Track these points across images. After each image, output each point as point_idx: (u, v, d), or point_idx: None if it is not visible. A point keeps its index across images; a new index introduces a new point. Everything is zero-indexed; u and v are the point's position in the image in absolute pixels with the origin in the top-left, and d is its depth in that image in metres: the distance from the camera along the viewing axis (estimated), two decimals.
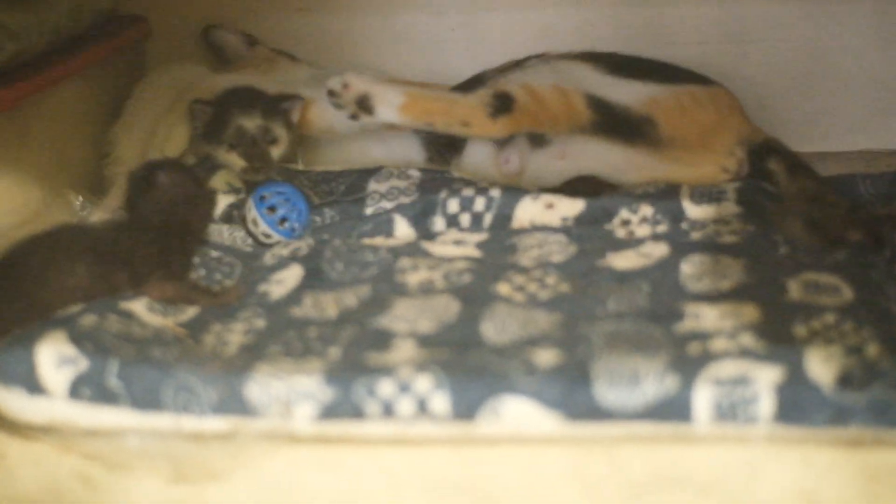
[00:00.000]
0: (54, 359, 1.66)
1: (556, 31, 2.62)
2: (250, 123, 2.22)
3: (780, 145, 2.29)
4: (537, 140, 2.31)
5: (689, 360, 1.62)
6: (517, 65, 2.40)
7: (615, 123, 2.25)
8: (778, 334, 1.68)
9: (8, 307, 1.76)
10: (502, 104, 2.23)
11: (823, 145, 2.52)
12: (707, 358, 1.61)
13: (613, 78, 2.30)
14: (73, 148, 2.37)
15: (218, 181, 2.27)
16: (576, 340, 1.70)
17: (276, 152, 2.25)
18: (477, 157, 2.36)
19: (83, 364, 1.66)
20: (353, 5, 2.71)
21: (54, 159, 2.29)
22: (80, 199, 2.23)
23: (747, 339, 1.66)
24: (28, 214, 2.19)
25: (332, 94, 2.22)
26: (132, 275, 1.87)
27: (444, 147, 2.35)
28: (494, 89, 2.25)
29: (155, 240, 1.91)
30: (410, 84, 2.32)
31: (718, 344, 1.66)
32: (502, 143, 2.32)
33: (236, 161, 2.23)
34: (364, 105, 2.21)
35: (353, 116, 2.22)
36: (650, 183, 2.24)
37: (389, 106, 2.21)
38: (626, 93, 2.27)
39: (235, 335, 1.80)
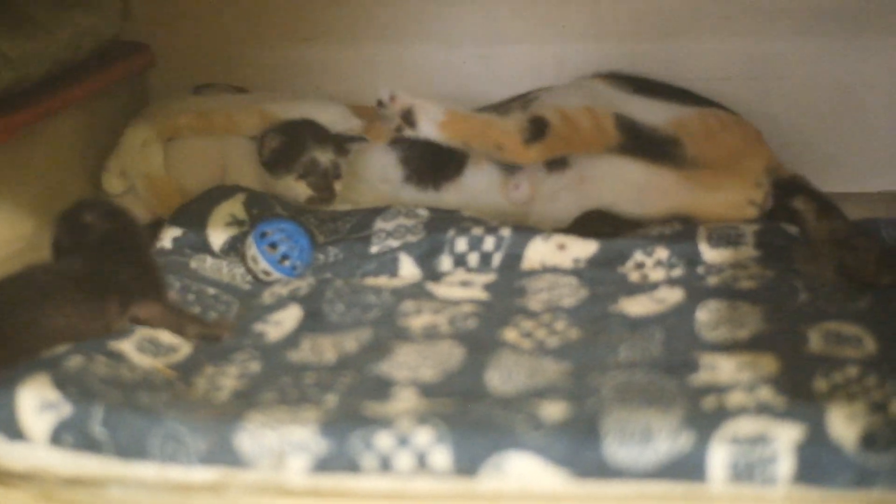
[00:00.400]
0: (36, 403, 1.58)
1: (572, 65, 2.54)
2: (323, 157, 2.28)
3: (808, 184, 2.22)
4: (555, 164, 2.25)
5: (704, 415, 1.53)
6: (522, 98, 2.35)
7: (642, 144, 2.20)
8: (798, 388, 1.60)
9: None
10: (537, 129, 2.22)
11: (844, 186, 2.42)
12: (724, 414, 1.53)
13: (639, 98, 2.27)
14: (70, 179, 2.31)
15: (221, 213, 2.19)
16: (585, 392, 1.62)
17: (338, 187, 2.30)
18: (480, 182, 2.31)
19: (66, 409, 1.58)
20: (363, 35, 2.65)
21: (51, 191, 2.22)
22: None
23: (766, 394, 1.58)
24: (22, 246, 2.13)
25: (380, 104, 2.24)
26: (122, 300, 1.80)
27: (425, 168, 2.33)
28: (530, 114, 2.24)
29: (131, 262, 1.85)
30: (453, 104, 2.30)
31: (735, 398, 1.58)
32: (512, 167, 2.27)
33: (303, 190, 2.28)
34: (408, 118, 2.22)
35: (398, 129, 2.24)
36: (667, 222, 2.16)
37: (431, 122, 2.22)
38: (653, 112, 2.24)
39: (229, 379, 1.73)
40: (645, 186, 2.19)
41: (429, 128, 2.23)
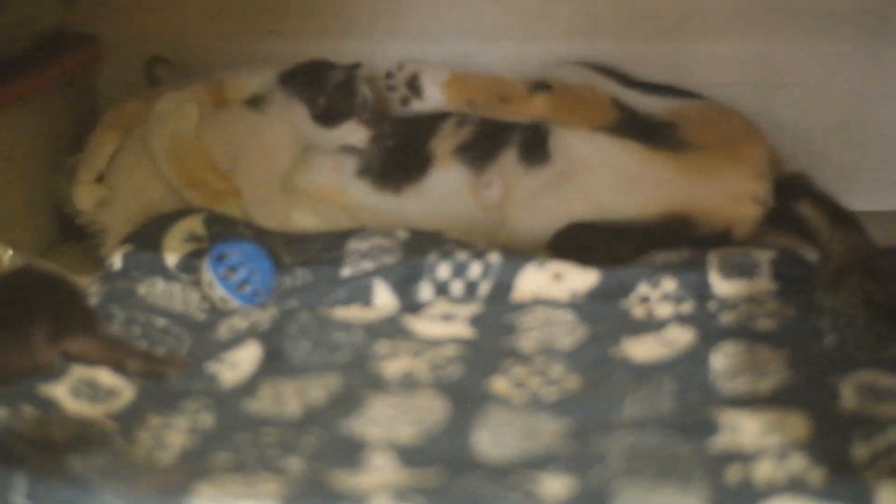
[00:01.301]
0: None
1: (633, 66, 2.31)
2: (364, 88, 2.16)
3: (812, 184, 2.03)
4: (533, 156, 2.04)
5: (730, 493, 1.33)
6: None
7: (638, 125, 2.03)
8: (834, 457, 1.39)
9: None
10: (540, 85, 2.12)
11: (858, 203, 2.19)
12: (754, 494, 1.32)
13: (633, 91, 2.11)
14: (5, 189, 2.06)
15: (178, 229, 1.97)
16: (589, 460, 1.40)
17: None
18: (447, 184, 2.10)
19: None
20: (332, 28, 2.43)
21: None
22: (10, 252, 1.90)
23: (798, 463, 1.38)
24: None
25: (388, 75, 2.20)
26: (51, 330, 1.57)
27: (385, 166, 2.16)
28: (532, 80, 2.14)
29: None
30: None
31: (764, 469, 1.38)
32: (482, 165, 2.08)
33: (364, 132, 2.15)
34: (414, 86, 2.16)
35: (405, 100, 2.18)
36: (662, 223, 1.97)
37: (435, 83, 2.15)
38: (648, 103, 2.08)
39: (176, 434, 1.51)
40: (637, 178, 1.99)
41: (433, 91, 2.16)
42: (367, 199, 2.13)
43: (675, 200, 1.98)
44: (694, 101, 2.11)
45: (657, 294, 1.85)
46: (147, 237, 1.96)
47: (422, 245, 1.92)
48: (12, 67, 2.09)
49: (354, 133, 2.13)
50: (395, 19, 2.41)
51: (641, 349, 1.69)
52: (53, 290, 1.63)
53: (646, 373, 1.62)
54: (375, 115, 2.15)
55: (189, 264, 1.90)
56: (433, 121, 2.16)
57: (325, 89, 2.13)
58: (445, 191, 2.10)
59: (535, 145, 2.05)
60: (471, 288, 1.86)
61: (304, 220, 2.08)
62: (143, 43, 2.40)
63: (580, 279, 1.86)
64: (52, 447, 1.41)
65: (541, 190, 2.03)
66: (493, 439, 1.46)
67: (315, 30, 2.41)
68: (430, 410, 1.53)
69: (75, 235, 2.19)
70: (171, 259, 1.92)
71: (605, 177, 2.01)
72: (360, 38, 2.41)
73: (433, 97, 2.16)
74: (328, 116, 2.13)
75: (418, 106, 2.17)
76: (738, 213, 1.98)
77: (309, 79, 2.15)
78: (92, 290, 1.80)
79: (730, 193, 1.99)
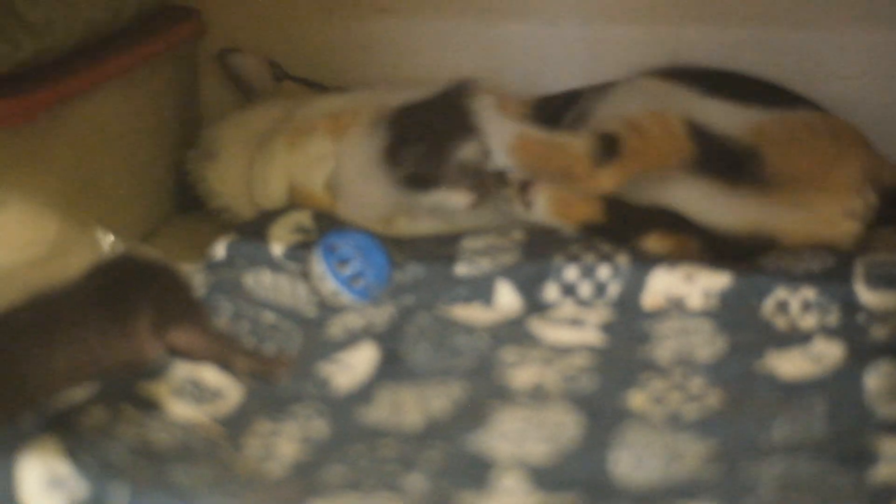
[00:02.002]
0: (42, 479, 1.25)
1: (688, 52, 2.17)
2: (469, 148, 1.82)
3: None
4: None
5: None
6: (572, 99, 2.02)
7: (718, 158, 1.83)
8: None
9: None
10: (608, 147, 1.84)
11: None
12: None
13: (711, 100, 1.89)
14: (104, 171, 1.95)
15: (286, 220, 1.86)
16: (739, 489, 1.28)
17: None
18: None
19: (81, 488, 1.24)
20: (447, 7, 2.29)
21: (80, 185, 1.88)
22: (111, 237, 1.79)
23: None
24: (45, 251, 1.79)
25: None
26: (157, 321, 1.46)
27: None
28: (597, 132, 1.87)
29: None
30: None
31: None
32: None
33: (461, 198, 1.82)
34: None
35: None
36: (810, 248, 1.81)
37: (501, 145, 1.87)
38: (727, 117, 1.86)
39: (288, 443, 1.40)
40: (715, 207, 1.83)
41: (500, 154, 1.87)
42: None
43: (761, 226, 1.84)
44: (782, 113, 1.91)
45: (797, 301, 1.71)
46: (253, 227, 1.85)
47: (542, 246, 1.80)
48: (115, 42, 1.98)
49: (447, 202, 1.84)
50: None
51: (788, 364, 1.55)
52: (158, 279, 1.52)
53: (794, 392, 1.49)
54: (478, 176, 1.83)
55: (297, 255, 1.79)
56: None
57: (409, 153, 1.83)
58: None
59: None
60: (600, 289, 1.73)
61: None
62: (248, 18, 2.30)
63: (712, 279, 1.73)
64: (154, 454, 1.30)
65: None
66: (633, 462, 1.34)
67: (429, 8, 2.28)
68: (564, 426, 1.41)
69: (192, 207, 2.11)
70: (278, 249, 1.81)
71: (685, 203, 1.85)
72: (475, 21, 2.28)
73: (500, 159, 1.88)
74: (412, 183, 1.85)
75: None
76: (833, 233, 1.84)
77: (401, 130, 1.84)
78: (197, 279, 1.69)
79: (822, 219, 1.84)
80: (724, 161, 1.83)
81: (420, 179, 1.82)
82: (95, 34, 1.91)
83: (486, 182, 1.82)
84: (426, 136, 1.81)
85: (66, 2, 1.82)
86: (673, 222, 1.82)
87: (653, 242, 1.78)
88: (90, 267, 1.53)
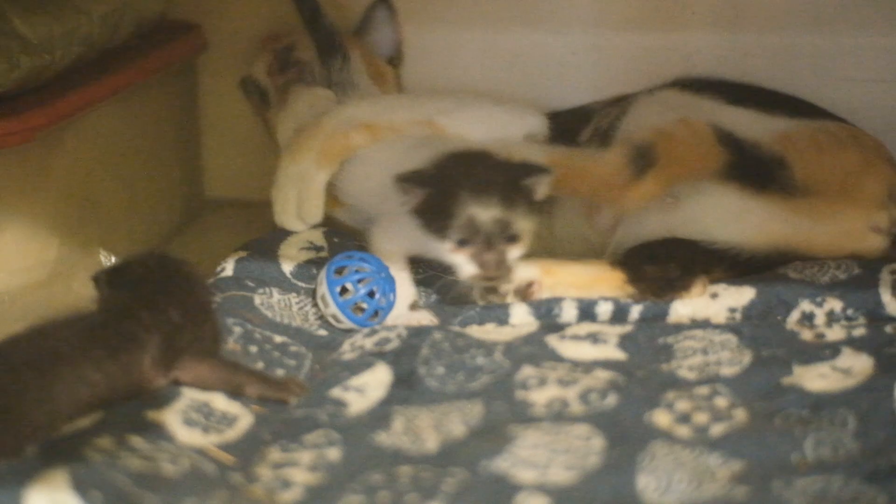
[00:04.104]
0: None
1: (701, 59, 2.15)
2: (485, 215, 1.61)
3: None
4: None
5: None
6: (624, 101, 1.95)
7: (747, 165, 1.77)
8: None
9: None
10: (643, 157, 1.78)
11: None
12: None
13: (736, 108, 1.84)
14: (103, 190, 1.91)
15: (296, 238, 1.84)
16: None
17: (515, 254, 1.63)
18: (564, 209, 1.89)
19: None
20: (450, 16, 2.24)
21: (79, 205, 1.85)
22: (113, 259, 1.74)
23: None
24: (45, 274, 1.76)
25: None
26: (162, 358, 1.40)
27: None
28: (625, 144, 1.80)
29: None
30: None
31: None
32: None
33: (464, 266, 1.63)
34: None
35: None
36: (834, 258, 1.76)
37: None
38: (753, 124, 1.81)
39: (299, 472, 1.34)
40: (742, 217, 1.78)
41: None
42: None
43: (787, 239, 1.79)
44: (807, 123, 1.86)
45: (822, 313, 1.67)
46: (262, 245, 1.82)
47: None
48: (113, 58, 1.96)
49: (451, 259, 1.65)
50: (518, 6, 2.22)
51: (816, 378, 1.50)
52: (168, 303, 1.46)
53: (824, 406, 1.43)
54: (492, 258, 1.61)
55: (305, 275, 1.75)
56: None
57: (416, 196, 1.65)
58: (563, 219, 1.90)
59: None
60: (621, 311, 1.69)
61: None
62: (248, 32, 2.26)
63: (736, 296, 1.70)
64: (163, 486, 1.25)
65: (647, 214, 1.83)
66: (661, 485, 1.29)
67: (439, 17, 2.24)
68: (587, 448, 1.36)
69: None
70: (287, 267, 1.76)
71: (711, 210, 1.80)
72: (483, 28, 2.23)
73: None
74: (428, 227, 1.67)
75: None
76: (859, 247, 1.79)
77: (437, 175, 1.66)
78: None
79: (847, 232, 1.79)
80: (754, 167, 1.78)
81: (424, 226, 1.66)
82: (94, 51, 1.88)
83: (500, 259, 1.62)
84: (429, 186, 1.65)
85: (64, 19, 1.78)
86: (700, 257, 1.75)
87: (695, 293, 1.72)
88: (98, 297, 1.47)
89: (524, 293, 1.72)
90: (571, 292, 1.72)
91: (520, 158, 1.69)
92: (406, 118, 1.87)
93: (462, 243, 1.61)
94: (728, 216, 1.78)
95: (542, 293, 1.72)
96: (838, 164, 1.81)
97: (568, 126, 1.94)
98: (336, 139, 1.84)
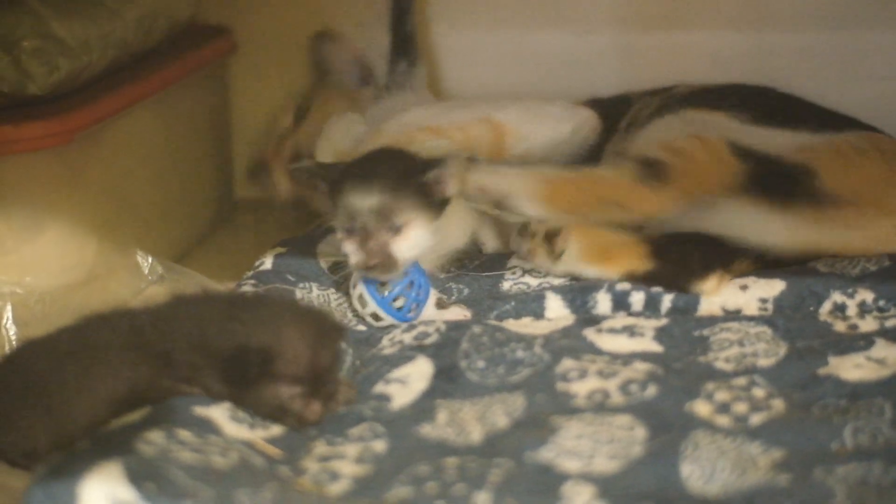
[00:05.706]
0: (106, 503, 1.20)
1: (727, 59, 2.18)
2: (362, 203, 1.64)
3: None
4: None
5: None
6: (662, 91, 1.96)
7: (768, 174, 1.75)
8: None
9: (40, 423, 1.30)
10: (653, 172, 1.76)
11: None
12: None
13: (753, 126, 1.82)
14: (139, 191, 1.93)
15: (333, 238, 1.79)
16: (816, 498, 1.24)
17: (403, 246, 1.66)
18: None
19: None
20: (476, 17, 2.28)
21: (116, 206, 1.87)
22: (150, 259, 1.76)
23: None
24: (83, 274, 1.77)
25: (469, 198, 1.76)
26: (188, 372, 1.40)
27: None
28: (635, 158, 1.78)
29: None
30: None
31: None
32: None
33: (351, 254, 1.66)
34: (503, 206, 1.75)
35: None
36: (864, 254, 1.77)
37: (531, 201, 1.74)
38: (772, 140, 1.79)
39: (347, 464, 1.36)
40: (769, 226, 1.77)
41: (530, 206, 1.75)
42: None
43: (817, 244, 1.79)
44: (829, 136, 1.83)
45: (854, 304, 1.68)
46: (300, 242, 1.85)
47: None
48: (147, 61, 1.98)
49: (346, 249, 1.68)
50: (544, 8, 2.26)
51: (852, 368, 1.51)
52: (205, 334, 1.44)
53: (860, 396, 1.45)
54: (372, 247, 1.65)
55: (342, 269, 1.76)
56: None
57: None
58: None
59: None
60: (652, 301, 1.70)
61: None
62: (278, 35, 2.29)
63: (767, 287, 1.72)
64: (215, 478, 1.27)
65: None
66: (705, 473, 1.30)
67: (464, 18, 2.28)
68: (630, 438, 1.37)
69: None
70: (325, 265, 1.80)
71: (730, 225, 1.79)
72: (509, 29, 2.27)
73: (533, 212, 1.76)
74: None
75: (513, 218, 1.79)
76: (887, 250, 1.79)
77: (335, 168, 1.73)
78: (246, 290, 1.66)
79: (876, 238, 1.79)
80: (776, 178, 1.76)
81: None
82: (128, 54, 1.89)
83: (381, 248, 1.65)
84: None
85: (99, 22, 1.80)
86: (723, 253, 1.76)
87: (710, 286, 1.72)
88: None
89: (552, 239, 1.73)
90: (595, 253, 1.73)
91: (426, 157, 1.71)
92: (467, 117, 1.88)
93: (349, 232, 1.64)
94: (752, 232, 1.77)
95: (569, 244, 1.73)
96: (865, 171, 1.80)
97: (608, 113, 1.94)
98: (398, 142, 1.85)
